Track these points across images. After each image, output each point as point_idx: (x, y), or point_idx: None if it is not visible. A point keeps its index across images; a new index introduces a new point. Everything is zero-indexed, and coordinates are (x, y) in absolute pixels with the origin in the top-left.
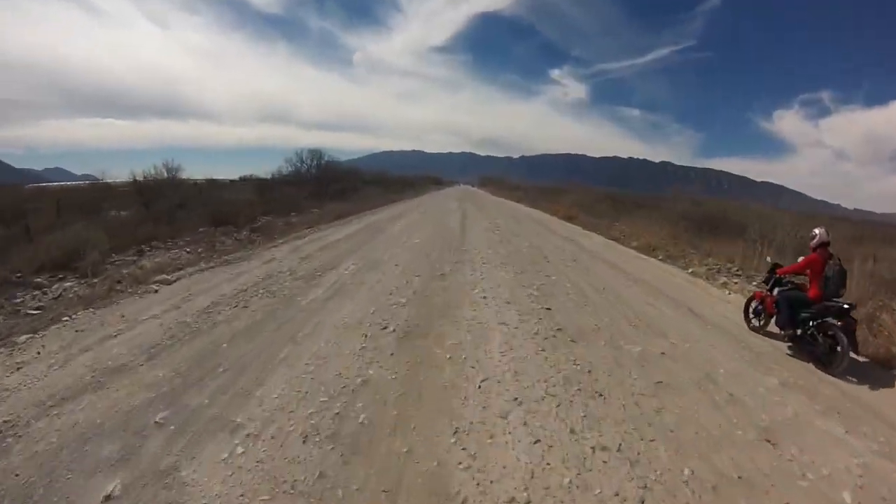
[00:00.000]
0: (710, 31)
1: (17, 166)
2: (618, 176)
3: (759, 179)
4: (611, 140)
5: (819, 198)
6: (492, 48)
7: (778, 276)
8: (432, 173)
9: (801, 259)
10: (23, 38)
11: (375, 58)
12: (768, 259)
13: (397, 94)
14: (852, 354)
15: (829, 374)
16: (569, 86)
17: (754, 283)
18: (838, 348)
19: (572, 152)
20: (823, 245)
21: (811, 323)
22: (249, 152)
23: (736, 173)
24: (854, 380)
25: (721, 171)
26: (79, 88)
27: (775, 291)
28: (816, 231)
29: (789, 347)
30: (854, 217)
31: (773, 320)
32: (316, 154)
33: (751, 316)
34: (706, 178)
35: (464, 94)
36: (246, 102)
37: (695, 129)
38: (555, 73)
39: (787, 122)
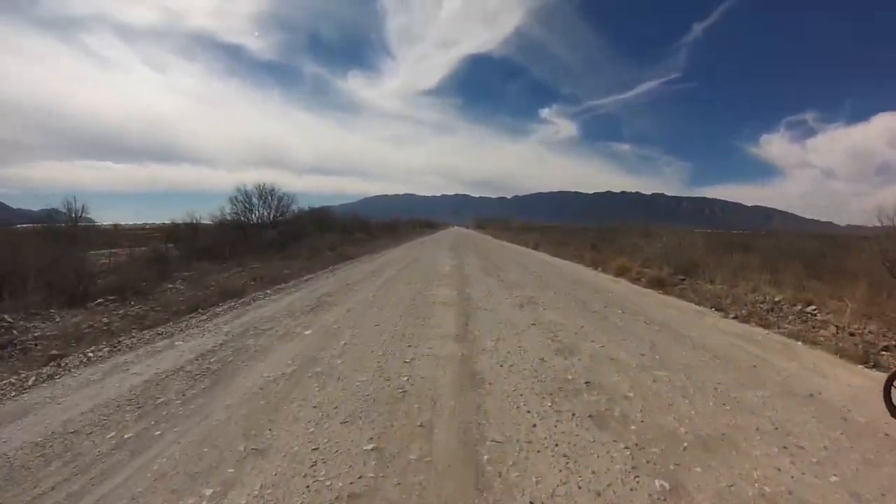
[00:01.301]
0: (694, 62)
1: (13, 206)
2: (611, 211)
3: (749, 204)
4: (602, 175)
5: (810, 217)
6: (482, 90)
7: None
8: (425, 216)
9: None
10: (23, 79)
11: (367, 103)
12: None
13: (389, 139)
14: None
15: None
16: (559, 124)
17: None
18: None
19: (565, 189)
20: None
21: None
22: None
23: (728, 199)
24: None
25: (713, 199)
26: (77, 131)
27: None
28: None
29: None
30: (848, 232)
31: None
32: (267, 192)
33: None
34: (698, 207)
35: (455, 137)
36: (240, 147)
37: (684, 160)
38: (545, 112)
39: (774, 145)
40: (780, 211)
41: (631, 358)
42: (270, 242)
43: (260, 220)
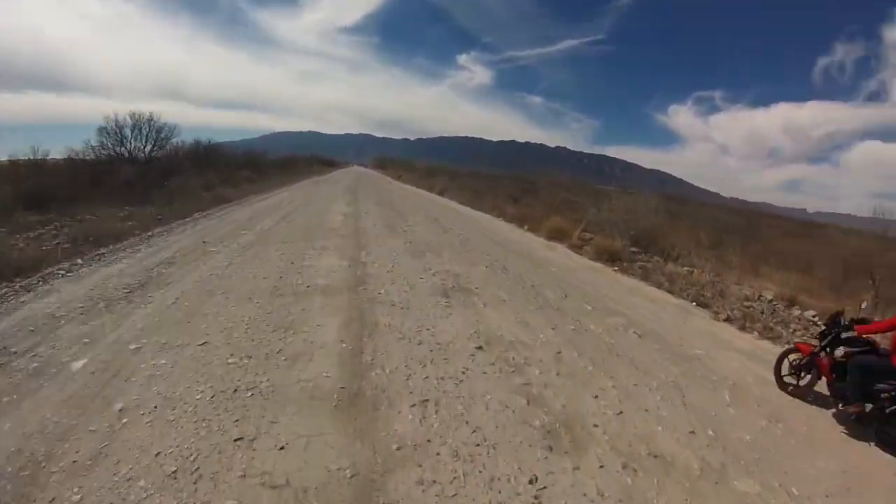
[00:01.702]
0: (619, 28)
1: None
2: (513, 159)
3: (648, 167)
4: (510, 125)
5: (702, 186)
6: (403, 31)
7: (857, 334)
8: (327, 154)
9: (892, 316)
10: None
11: (283, 37)
12: (842, 312)
13: (301, 75)
14: None
15: None
16: (475, 71)
17: None
18: None
19: (470, 135)
20: None
21: (887, 397)
22: None
23: (628, 160)
24: None
25: (614, 158)
26: None
27: (839, 351)
28: None
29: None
30: (732, 204)
31: (817, 384)
32: (144, 122)
33: (785, 373)
34: (599, 164)
35: (369, 77)
36: (141, 77)
37: (592, 118)
38: (462, 58)
39: (681, 116)
40: (675, 177)
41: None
42: (128, 183)
43: (131, 156)
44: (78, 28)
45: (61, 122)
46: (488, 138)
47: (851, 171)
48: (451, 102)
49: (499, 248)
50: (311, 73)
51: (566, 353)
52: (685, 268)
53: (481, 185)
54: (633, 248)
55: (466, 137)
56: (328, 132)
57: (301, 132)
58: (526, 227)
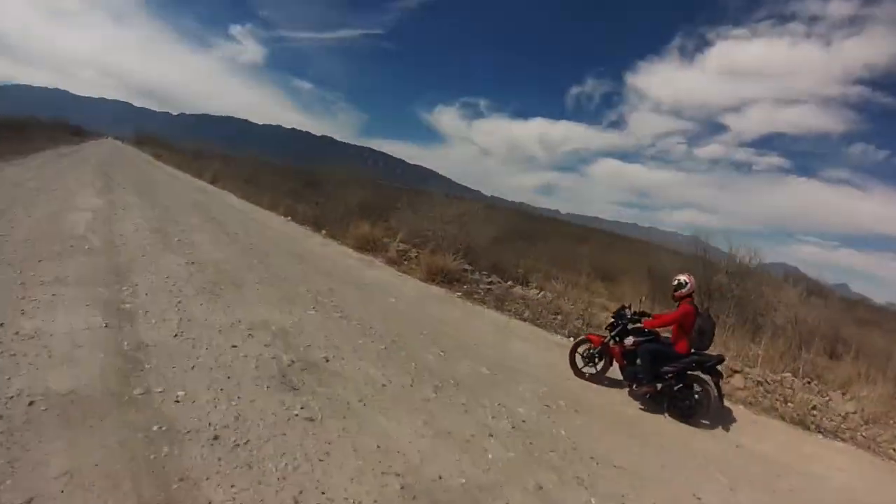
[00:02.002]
0: (401, 26)
1: None
2: (279, 145)
3: (412, 162)
4: (277, 109)
5: (464, 184)
6: None
7: (644, 327)
8: (77, 121)
9: (673, 311)
10: None
11: None
12: (629, 306)
13: (50, 9)
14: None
15: (691, 424)
16: (247, 46)
17: None
18: (703, 400)
19: (236, 116)
20: (690, 295)
21: (672, 376)
22: None
23: (393, 154)
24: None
25: (379, 152)
26: None
27: (629, 340)
28: (684, 279)
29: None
30: (491, 202)
31: (612, 370)
32: None
33: (580, 362)
34: (363, 156)
35: (131, 29)
36: None
37: (363, 111)
38: (236, 28)
39: (446, 117)
40: (439, 174)
41: None
42: None
43: None
44: None
45: None
46: (254, 121)
47: (596, 181)
48: (219, 76)
49: (310, 268)
50: (62, 10)
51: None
52: (535, 289)
53: (257, 174)
54: (465, 265)
55: (231, 118)
56: (78, 93)
57: (45, 88)
58: (324, 233)
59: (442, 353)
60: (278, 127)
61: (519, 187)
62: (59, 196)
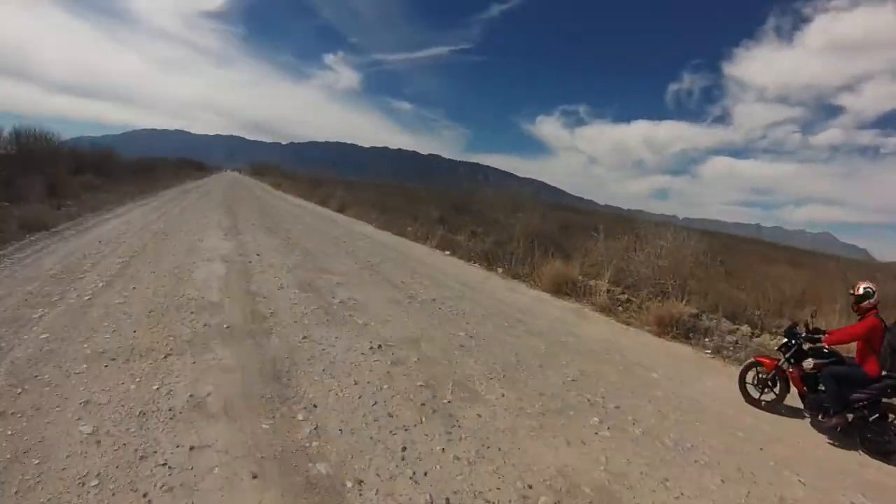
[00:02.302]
0: (487, 39)
1: None
2: (387, 166)
3: (522, 175)
4: (381, 131)
5: (575, 194)
6: (268, 23)
7: (825, 346)
8: (198, 157)
9: (856, 324)
10: None
11: (139, 11)
12: (805, 322)
13: (162, 62)
14: None
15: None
16: (342, 73)
17: None
18: None
19: (342, 140)
20: (876, 306)
21: (864, 405)
22: None
23: (501, 168)
24: None
25: (488, 167)
26: None
27: (808, 363)
28: (870, 287)
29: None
30: (606, 211)
31: (789, 396)
32: None
33: (752, 387)
34: (473, 172)
35: (234, 71)
36: None
37: (463, 126)
38: (330, 58)
39: (548, 127)
40: (550, 185)
41: None
42: None
43: None
44: None
45: None
46: (360, 144)
47: (708, 182)
48: (320, 105)
49: (531, 335)
50: (174, 62)
51: None
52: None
53: (385, 199)
54: (694, 312)
55: (339, 143)
56: (196, 132)
57: (167, 130)
58: (500, 272)
59: None
60: (385, 148)
61: (631, 194)
62: (184, 241)
